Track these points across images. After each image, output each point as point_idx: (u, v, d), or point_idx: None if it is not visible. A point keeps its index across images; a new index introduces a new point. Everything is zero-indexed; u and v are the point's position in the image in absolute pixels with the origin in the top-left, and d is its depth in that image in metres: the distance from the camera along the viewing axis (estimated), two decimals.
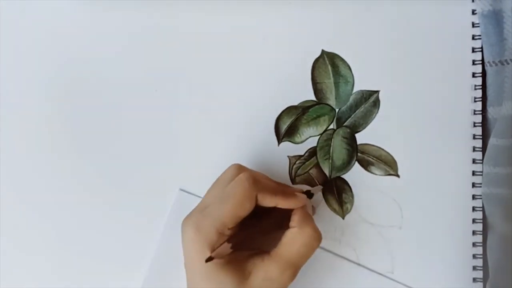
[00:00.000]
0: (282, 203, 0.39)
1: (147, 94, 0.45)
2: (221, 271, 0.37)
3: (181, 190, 0.45)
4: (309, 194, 0.42)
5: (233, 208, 0.38)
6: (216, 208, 0.38)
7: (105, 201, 0.45)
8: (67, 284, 0.45)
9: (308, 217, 0.39)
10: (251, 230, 0.39)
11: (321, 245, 0.45)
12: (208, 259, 0.36)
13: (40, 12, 0.45)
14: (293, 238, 0.38)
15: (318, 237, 0.39)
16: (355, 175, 0.45)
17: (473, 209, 0.45)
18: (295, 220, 0.39)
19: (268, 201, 0.39)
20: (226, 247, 0.36)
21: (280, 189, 0.40)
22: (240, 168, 0.41)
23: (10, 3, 0.45)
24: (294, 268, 0.38)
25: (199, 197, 0.44)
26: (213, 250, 0.37)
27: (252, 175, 0.39)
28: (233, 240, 0.37)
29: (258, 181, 0.39)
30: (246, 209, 0.38)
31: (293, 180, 0.45)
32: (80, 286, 0.45)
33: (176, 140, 0.45)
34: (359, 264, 0.45)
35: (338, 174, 0.45)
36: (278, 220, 0.39)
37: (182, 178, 0.45)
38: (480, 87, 0.44)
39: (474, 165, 0.45)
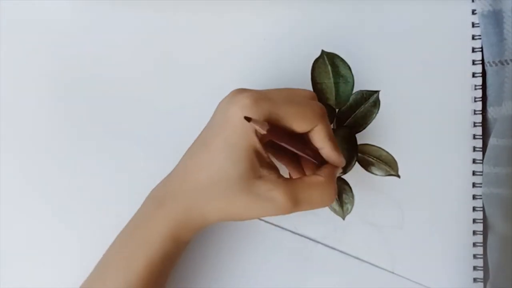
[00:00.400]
0: (328, 150, 0.38)
1: (147, 94, 0.45)
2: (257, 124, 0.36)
3: None
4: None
5: (295, 111, 0.36)
6: (281, 101, 0.36)
7: (108, 202, 0.45)
8: (70, 285, 0.45)
9: (335, 177, 0.39)
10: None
11: (322, 243, 0.45)
12: (247, 118, 0.34)
13: (39, 12, 0.45)
14: (315, 184, 0.37)
15: (333, 198, 0.38)
16: (355, 175, 0.45)
17: (474, 209, 0.45)
18: (325, 172, 0.38)
19: (321, 139, 0.38)
20: (264, 124, 0.35)
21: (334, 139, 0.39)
22: (316, 97, 0.40)
23: (10, 3, 0.45)
24: (296, 206, 0.36)
25: None
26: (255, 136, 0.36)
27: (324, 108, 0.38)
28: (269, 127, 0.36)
29: (327, 116, 0.38)
30: (302, 125, 0.37)
31: None
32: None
33: (179, 139, 0.45)
34: (359, 259, 0.45)
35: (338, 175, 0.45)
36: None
37: None
38: (480, 87, 0.44)
39: (474, 165, 0.45)
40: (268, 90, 0.39)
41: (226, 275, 0.45)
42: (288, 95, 0.38)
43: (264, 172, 0.36)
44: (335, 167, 0.39)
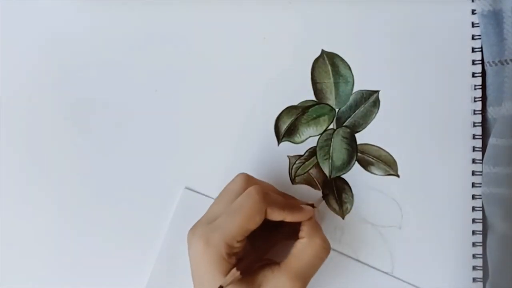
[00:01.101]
0: (289, 217, 0.39)
1: (148, 94, 0.45)
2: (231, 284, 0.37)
3: (187, 188, 0.45)
4: (312, 206, 0.42)
5: (242, 221, 0.37)
6: (225, 220, 0.38)
7: (110, 199, 0.45)
8: (71, 284, 0.45)
9: (317, 227, 0.40)
10: (261, 246, 0.39)
11: None
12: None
13: (40, 12, 0.45)
14: (302, 249, 0.38)
15: (327, 247, 0.39)
16: (355, 175, 0.45)
17: (473, 209, 0.45)
18: (304, 230, 0.39)
19: (276, 215, 0.39)
20: (235, 274, 0.36)
21: (287, 203, 0.40)
22: (248, 179, 0.40)
23: (10, 3, 0.45)
24: (304, 279, 0.38)
25: (204, 195, 0.45)
26: (225, 271, 0.37)
27: (262, 188, 0.39)
28: (241, 264, 0.37)
29: (267, 194, 0.39)
30: (255, 223, 0.38)
31: (292, 180, 0.45)
32: (85, 285, 0.45)
33: (180, 139, 0.45)
34: (358, 261, 0.45)
35: (338, 174, 0.45)
36: (287, 230, 0.40)
37: (187, 176, 0.45)
38: (480, 87, 0.44)
39: (474, 165, 0.45)
40: (208, 215, 0.39)
41: None
42: (227, 208, 0.39)
43: (259, 279, 0.38)
44: (310, 218, 0.40)
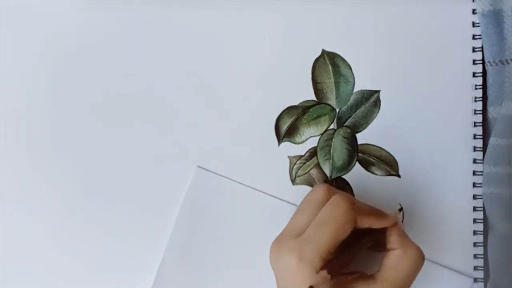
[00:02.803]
0: (376, 224, 0.39)
1: (147, 93, 0.45)
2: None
3: (199, 167, 0.45)
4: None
5: (334, 232, 0.37)
6: (316, 233, 0.37)
7: (122, 179, 0.45)
8: (82, 266, 0.45)
9: (406, 236, 0.39)
10: (345, 254, 0.38)
11: None
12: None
13: (39, 12, 0.45)
14: (398, 261, 0.38)
15: (422, 256, 0.38)
16: (355, 175, 0.45)
17: (474, 209, 0.44)
18: (394, 241, 0.38)
19: (364, 223, 0.38)
20: (325, 277, 0.36)
21: (373, 210, 0.40)
22: (330, 190, 0.40)
23: (9, 2, 0.45)
24: None
25: (216, 174, 0.45)
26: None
27: (348, 196, 0.38)
28: (327, 267, 0.36)
29: (355, 202, 0.38)
30: (346, 232, 0.37)
31: (293, 181, 0.45)
32: (96, 266, 0.45)
33: (178, 136, 0.45)
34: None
35: (338, 175, 0.45)
36: (368, 239, 0.39)
37: (199, 155, 0.45)
38: (481, 86, 0.44)
39: (474, 165, 0.45)
40: (293, 227, 0.39)
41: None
42: (311, 217, 0.38)
43: None
44: (394, 225, 0.39)
